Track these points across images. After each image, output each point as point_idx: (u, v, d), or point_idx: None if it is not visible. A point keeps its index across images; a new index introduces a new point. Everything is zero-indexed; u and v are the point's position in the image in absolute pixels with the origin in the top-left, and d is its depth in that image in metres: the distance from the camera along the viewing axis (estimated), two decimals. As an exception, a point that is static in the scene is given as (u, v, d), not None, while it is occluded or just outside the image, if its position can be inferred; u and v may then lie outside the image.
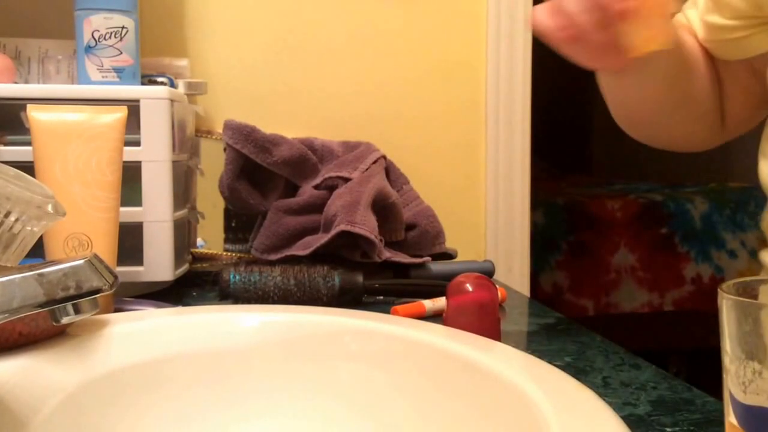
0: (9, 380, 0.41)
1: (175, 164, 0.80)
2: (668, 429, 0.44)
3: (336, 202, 0.84)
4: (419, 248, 0.92)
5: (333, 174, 0.90)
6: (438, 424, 0.43)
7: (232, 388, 0.49)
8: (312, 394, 0.49)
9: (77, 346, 0.46)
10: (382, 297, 0.78)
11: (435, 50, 1.17)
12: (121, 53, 0.79)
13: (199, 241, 1.01)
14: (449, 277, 0.85)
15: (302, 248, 0.85)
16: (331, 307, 0.64)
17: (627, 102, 0.73)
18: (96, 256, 0.42)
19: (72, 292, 0.40)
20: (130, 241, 0.75)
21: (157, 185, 0.77)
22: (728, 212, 2.56)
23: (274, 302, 0.72)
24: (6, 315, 0.39)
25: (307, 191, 0.90)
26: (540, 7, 0.59)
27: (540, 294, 2.43)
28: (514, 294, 0.83)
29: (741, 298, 0.29)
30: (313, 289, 0.73)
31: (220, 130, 1.04)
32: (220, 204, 0.99)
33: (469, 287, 0.56)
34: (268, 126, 1.10)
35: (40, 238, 0.59)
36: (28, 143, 0.66)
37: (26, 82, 0.93)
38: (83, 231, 0.62)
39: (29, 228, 0.48)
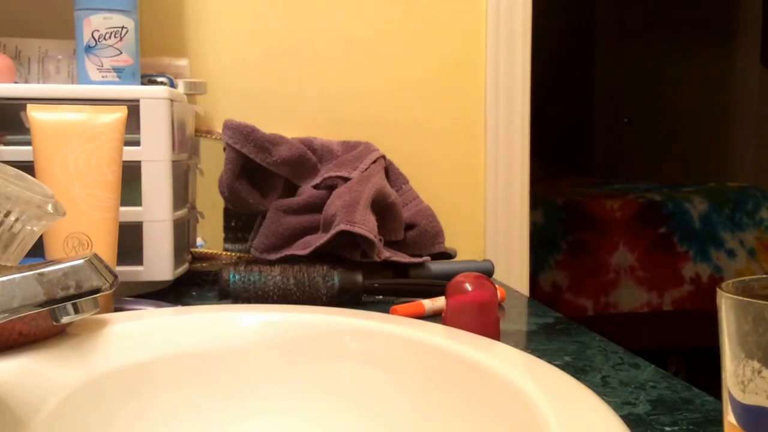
0: (9, 380, 0.41)
1: (175, 164, 0.80)
2: (667, 428, 0.44)
3: (335, 202, 0.84)
4: (418, 248, 0.92)
5: (332, 174, 0.90)
6: (437, 423, 0.43)
7: (231, 387, 0.49)
8: (311, 394, 0.49)
9: (77, 345, 0.46)
10: (381, 297, 0.78)
11: (434, 51, 1.17)
12: (121, 53, 0.79)
13: (199, 240, 1.01)
14: (448, 276, 0.85)
15: (302, 248, 0.85)
16: (330, 306, 0.64)
17: None
18: (96, 255, 0.42)
19: (72, 291, 0.40)
20: (129, 241, 0.76)
21: (157, 185, 0.77)
22: (727, 212, 2.57)
23: (273, 302, 0.72)
24: (6, 314, 0.39)
25: (307, 191, 0.90)
26: None
27: (539, 294, 2.43)
28: (514, 293, 0.83)
29: (740, 297, 0.29)
30: (313, 288, 0.73)
31: (220, 130, 1.04)
32: (220, 204, 0.99)
33: (468, 287, 0.56)
34: (268, 126, 1.11)
35: (40, 238, 0.60)
36: (28, 143, 0.66)
37: (26, 82, 0.93)
38: (83, 231, 0.62)
39: (29, 228, 0.48)
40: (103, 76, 0.79)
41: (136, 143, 0.76)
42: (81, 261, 0.41)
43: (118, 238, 0.65)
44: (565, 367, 0.56)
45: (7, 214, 0.47)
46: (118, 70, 0.79)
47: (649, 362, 0.57)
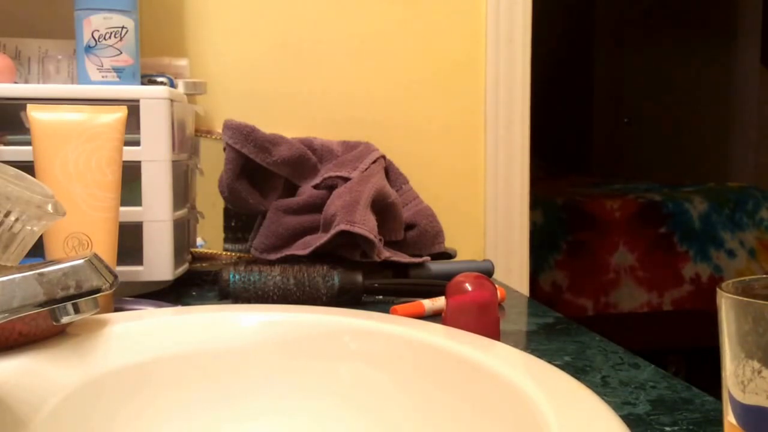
0: (9, 380, 0.41)
1: (175, 164, 0.80)
2: (667, 428, 0.44)
3: (335, 202, 0.84)
4: (418, 248, 0.92)
5: (332, 174, 0.90)
6: (437, 423, 0.43)
7: (231, 387, 0.49)
8: (311, 394, 0.49)
9: (77, 345, 0.46)
10: (381, 297, 0.78)
11: (434, 51, 1.17)
12: (121, 53, 0.79)
13: (199, 240, 1.01)
14: (448, 276, 0.85)
15: (302, 248, 0.85)
16: (330, 306, 0.64)
17: None
18: (96, 255, 0.42)
19: (72, 291, 0.40)
20: (130, 241, 0.76)
21: (157, 185, 0.77)
22: (727, 212, 2.57)
23: (273, 302, 0.72)
24: (6, 314, 0.39)
25: (307, 191, 0.90)
26: None
27: (539, 294, 2.43)
28: (514, 293, 0.83)
29: (740, 297, 0.29)
30: (313, 288, 0.73)
31: (220, 130, 1.04)
32: (220, 204, 0.99)
33: (468, 287, 0.56)
34: (268, 126, 1.11)
35: (40, 238, 0.59)
36: (28, 143, 0.66)
37: (26, 82, 0.93)
38: (83, 231, 0.62)
39: (29, 228, 0.48)
40: (103, 76, 0.79)
41: (136, 143, 0.76)
42: (81, 261, 0.41)
43: (118, 238, 0.65)
44: (565, 367, 0.56)
45: (7, 214, 0.47)
46: (118, 70, 0.79)
47: (649, 362, 0.57)
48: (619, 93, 4.23)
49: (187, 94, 0.96)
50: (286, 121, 1.13)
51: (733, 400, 0.30)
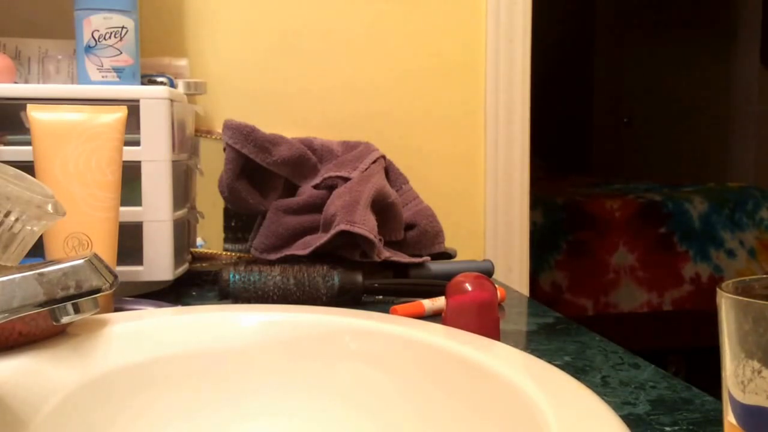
0: (9, 380, 0.41)
1: (175, 164, 0.80)
2: (667, 428, 0.44)
3: (335, 202, 0.84)
4: (419, 248, 0.92)
5: (332, 174, 0.90)
6: (437, 423, 0.43)
7: (231, 387, 0.49)
8: (311, 394, 0.49)
9: (77, 345, 0.46)
10: (381, 297, 0.78)
11: (435, 50, 1.17)
12: (121, 53, 0.79)
13: (199, 240, 1.01)
14: (448, 276, 0.85)
15: (302, 248, 0.85)
16: (330, 306, 0.64)
17: None
18: (96, 255, 0.42)
19: (72, 291, 0.40)
20: (129, 241, 0.76)
21: (157, 185, 0.77)
22: (727, 212, 2.57)
23: (273, 302, 0.72)
24: (6, 314, 0.39)
25: (307, 191, 0.90)
26: None
27: (539, 294, 2.43)
28: (514, 293, 0.83)
29: (740, 297, 0.29)
30: (313, 288, 0.73)
31: (220, 130, 1.04)
32: (220, 204, 0.99)
33: (468, 287, 0.56)
34: (268, 126, 1.11)
35: (40, 238, 0.59)
36: (28, 143, 0.66)
37: (26, 82, 0.93)
38: (83, 231, 0.62)
39: (29, 228, 0.48)
40: (103, 76, 0.79)
41: (136, 143, 0.76)
42: (81, 261, 0.41)
43: (118, 238, 0.65)
44: (565, 367, 0.56)
45: (7, 214, 0.47)
46: (118, 70, 0.79)
47: (649, 362, 0.57)
48: (619, 93, 4.23)
49: (187, 94, 0.96)
50: (286, 121, 1.13)
51: (733, 400, 0.30)
